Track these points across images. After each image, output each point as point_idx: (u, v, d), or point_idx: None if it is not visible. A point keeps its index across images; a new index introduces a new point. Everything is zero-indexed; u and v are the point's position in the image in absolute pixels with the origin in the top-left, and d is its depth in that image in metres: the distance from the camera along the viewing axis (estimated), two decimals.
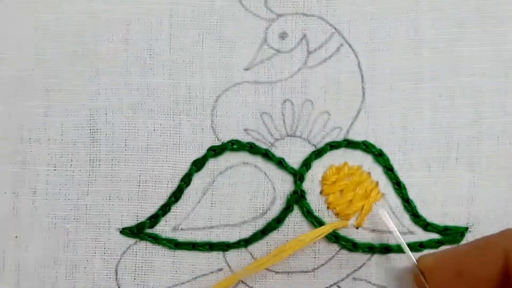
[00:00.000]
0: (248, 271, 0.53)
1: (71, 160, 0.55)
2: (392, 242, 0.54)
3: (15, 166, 0.55)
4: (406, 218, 0.54)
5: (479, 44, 0.54)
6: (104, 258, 0.55)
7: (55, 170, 0.55)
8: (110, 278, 0.55)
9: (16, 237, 0.55)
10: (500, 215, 0.54)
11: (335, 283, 0.55)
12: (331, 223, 0.54)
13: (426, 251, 0.54)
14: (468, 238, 0.54)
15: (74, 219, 0.55)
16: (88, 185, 0.55)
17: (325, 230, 0.53)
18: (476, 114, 0.54)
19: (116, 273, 0.55)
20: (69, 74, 0.55)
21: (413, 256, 0.51)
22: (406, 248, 0.52)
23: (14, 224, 0.55)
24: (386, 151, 0.54)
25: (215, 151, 0.54)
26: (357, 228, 0.54)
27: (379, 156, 0.54)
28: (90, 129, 0.55)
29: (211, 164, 0.55)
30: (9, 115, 0.55)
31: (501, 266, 0.46)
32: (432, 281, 0.49)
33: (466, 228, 0.54)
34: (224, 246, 0.55)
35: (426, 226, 0.54)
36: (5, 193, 0.55)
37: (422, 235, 0.54)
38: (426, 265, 0.50)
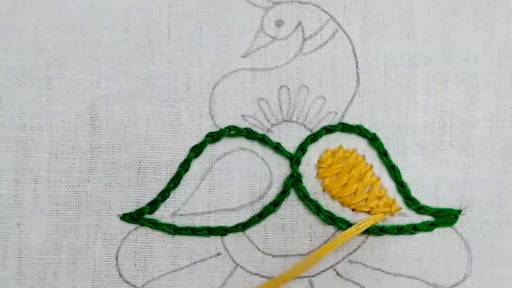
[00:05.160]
0: (286, 277, 0.56)
1: (72, 147, 0.58)
2: (386, 223, 0.56)
3: (17, 154, 0.58)
4: (399, 200, 0.57)
5: (473, 29, 0.57)
6: (105, 244, 0.58)
7: (56, 157, 0.58)
8: (110, 264, 0.58)
9: (19, 224, 0.58)
10: (494, 198, 0.56)
11: (331, 266, 0.57)
12: (369, 218, 0.56)
13: (420, 234, 0.56)
14: (462, 221, 0.56)
15: (75, 205, 0.58)
16: (89, 172, 0.58)
17: (365, 225, 0.55)
18: (470, 98, 0.57)
19: (117, 259, 0.58)
20: (70, 63, 0.58)
21: None
22: None
23: (16, 211, 0.58)
24: (380, 135, 0.57)
25: (213, 137, 0.57)
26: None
27: (373, 141, 0.57)
28: (91, 117, 0.58)
29: (209, 150, 0.57)
30: (11, 103, 0.58)
31: None
32: None
33: (459, 211, 0.56)
34: (222, 231, 0.57)
35: (419, 209, 0.56)
36: (7, 180, 0.58)
37: (415, 218, 0.57)
38: None
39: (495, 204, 0.56)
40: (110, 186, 0.58)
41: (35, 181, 0.58)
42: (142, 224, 0.58)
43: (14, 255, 0.58)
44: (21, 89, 0.58)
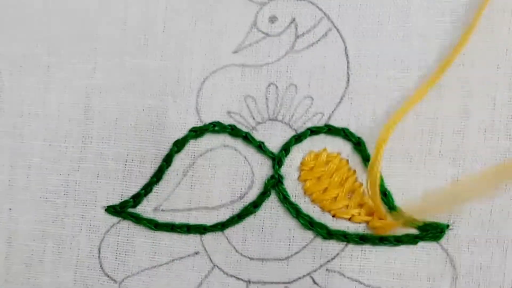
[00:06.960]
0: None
1: (65, 136, 0.59)
2: (367, 232, 0.54)
3: (13, 139, 0.59)
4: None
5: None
6: (89, 236, 0.58)
7: (49, 145, 0.59)
8: (93, 255, 0.58)
9: (10, 209, 0.59)
10: (484, 214, 0.53)
11: (308, 273, 0.55)
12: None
13: (402, 247, 0.54)
14: (449, 237, 0.53)
15: (64, 194, 0.59)
16: (79, 161, 0.59)
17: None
18: (464, 106, 0.54)
19: (99, 251, 0.58)
20: (70, 53, 0.59)
21: None
22: None
23: (9, 196, 0.59)
24: (367, 139, 0.54)
25: (196, 132, 0.57)
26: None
27: (358, 145, 0.54)
28: (85, 107, 0.59)
29: (192, 145, 0.57)
30: (12, 89, 0.60)
31: None
32: None
33: (447, 226, 0.53)
34: (201, 229, 0.56)
35: None
36: (3, 165, 0.59)
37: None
38: None
39: (484, 221, 0.53)
40: (98, 177, 0.58)
41: (29, 168, 0.59)
42: (124, 218, 0.57)
43: (3, 240, 0.59)
44: (22, 76, 0.59)
